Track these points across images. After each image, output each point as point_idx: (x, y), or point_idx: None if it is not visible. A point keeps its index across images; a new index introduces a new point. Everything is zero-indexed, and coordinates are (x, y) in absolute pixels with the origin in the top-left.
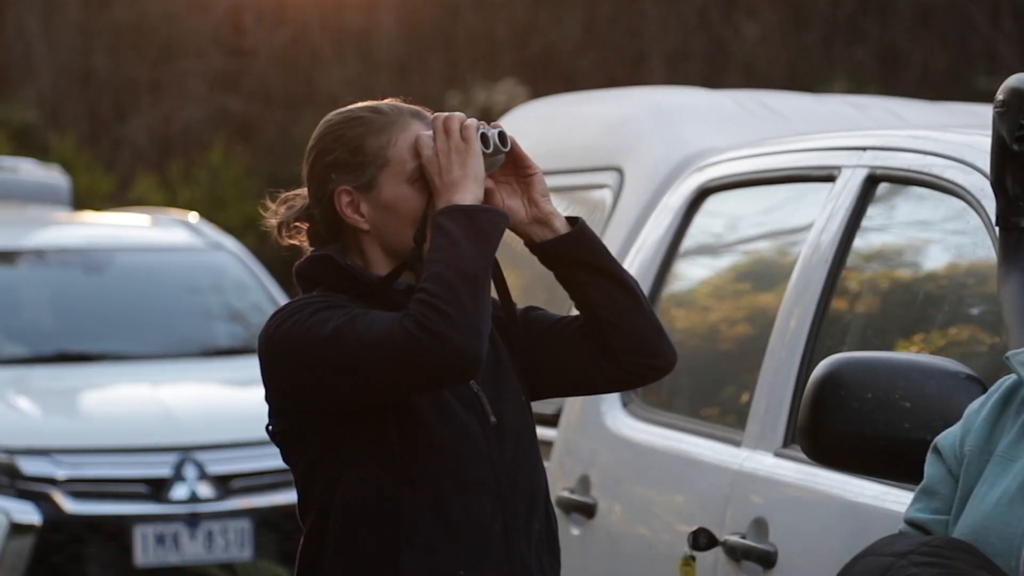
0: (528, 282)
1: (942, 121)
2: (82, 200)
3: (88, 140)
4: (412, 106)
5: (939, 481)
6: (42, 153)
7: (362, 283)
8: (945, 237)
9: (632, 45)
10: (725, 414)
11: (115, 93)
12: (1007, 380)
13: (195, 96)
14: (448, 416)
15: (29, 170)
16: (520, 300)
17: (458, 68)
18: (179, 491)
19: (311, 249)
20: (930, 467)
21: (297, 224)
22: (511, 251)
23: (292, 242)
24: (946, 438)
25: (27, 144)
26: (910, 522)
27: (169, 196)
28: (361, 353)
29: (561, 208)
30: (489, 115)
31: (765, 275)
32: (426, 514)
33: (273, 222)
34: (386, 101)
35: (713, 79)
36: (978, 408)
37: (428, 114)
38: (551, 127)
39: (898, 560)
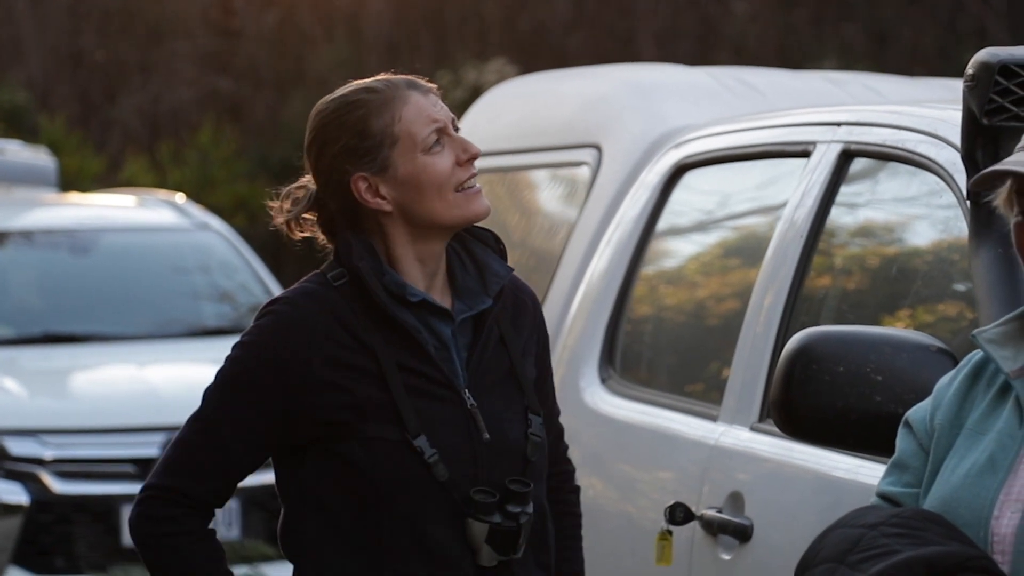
0: (527, 260)
1: (919, 96)
2: (72, 181)
3: (78, 121)
4: (405, 76)
5: (910, 455)
6: (32, 135)
7: (370, 292)
8: (919, 212)
9: (622, 24)
10: (702, 389)
11: (105, 74)
12: (976, 355)
13: (185, 77)
14: (432, 436)
15: (15, 152)
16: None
17: (448, 47)
18: None
19: (323, 238)
20: (901, 441)
21: (305, 216)
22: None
23: (304, 235)
24: (917, 412)
25: (17, 126)
26: (882, 495)
27: (159, 177)
28: (186, 423)
29: (540, 185)
30: (479, 94)
31: (741, 251)
32: (404, 537)
33: (281, 220)
34: (378, 77)
35: (703, 57)
36: (948, 383)
37: (422, 82)
38: (531, 104)
39: (868, 531)
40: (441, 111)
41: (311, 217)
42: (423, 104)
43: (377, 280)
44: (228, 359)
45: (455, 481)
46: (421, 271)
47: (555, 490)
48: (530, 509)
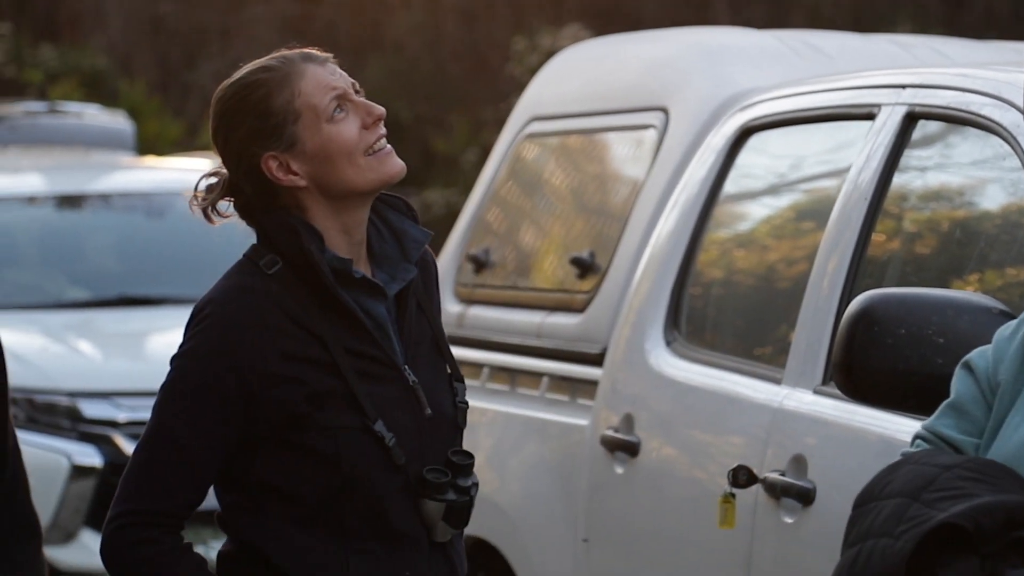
0: (593, 222)
1: (985, 59)
2: (151, 146)
3: (158, 87)
4: (300, 50)
5: (971, 400)
6: (112, 99)
7: (315, 273)
8: (984, 175)
9: None
10: (766, 352)
11: (184, 40)
12: None
13: (263, 43)
14: (386, 418)
15: (93, 115)
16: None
17: (524, 13)
18: None
19: (245, 222)
20: (960, 383)
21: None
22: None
23: (223, 220)
24: (980, 359)
25: (97, 91)
26: (938, 435)
27: None
28: (145, 442)
29: (608, 148)
30: None
31: (806, 213)
32: (366, 518)
33: (198, 209)
34: (272, 55)
35: (778, 22)
36: (1009, 336)
37: (318, 53)
38: (598, 68)
39: (944, 472)
40: (340, 78)
41: (230, 202)
42: (320, 74)
43: (319, 265)
44: (176, 370)
45: (409, 462)
46: (347, 242)
47: None
48: (476, 479)
